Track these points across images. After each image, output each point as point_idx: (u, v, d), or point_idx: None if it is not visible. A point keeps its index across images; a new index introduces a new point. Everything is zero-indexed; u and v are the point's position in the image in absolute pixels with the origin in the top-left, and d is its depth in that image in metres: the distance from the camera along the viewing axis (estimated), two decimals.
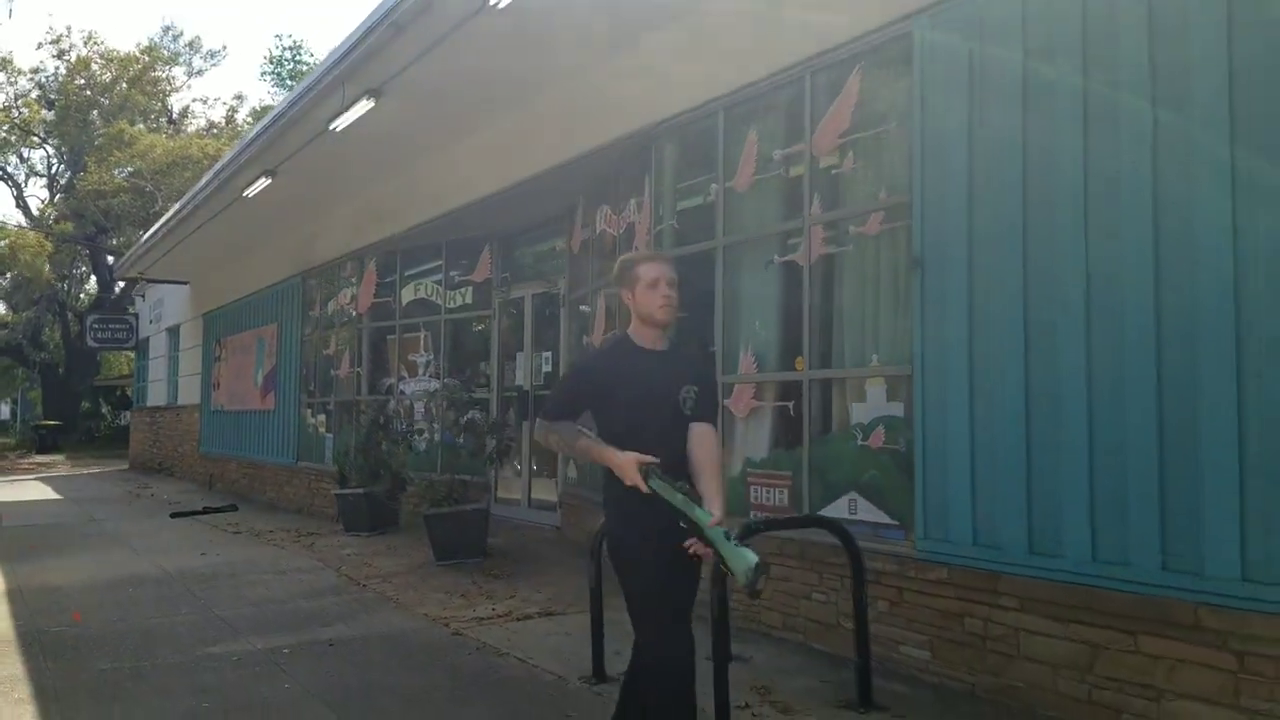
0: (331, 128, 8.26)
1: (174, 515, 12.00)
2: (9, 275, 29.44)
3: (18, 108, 30.34)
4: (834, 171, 5.29)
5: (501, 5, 5.96)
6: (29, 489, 16.56)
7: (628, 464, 2.92)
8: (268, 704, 4.40)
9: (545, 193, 8.23)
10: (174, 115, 32.52)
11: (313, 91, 8.02)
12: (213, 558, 8.53)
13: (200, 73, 56.73)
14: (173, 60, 32.79)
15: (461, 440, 9.04)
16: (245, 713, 4.30)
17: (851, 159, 5.18)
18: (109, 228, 27.76)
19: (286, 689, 4.61)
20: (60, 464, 23.90)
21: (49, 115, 30.29)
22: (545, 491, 9.10)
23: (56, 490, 16.30)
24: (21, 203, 33.23)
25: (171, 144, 26.36)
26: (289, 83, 31.91)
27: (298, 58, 34.88)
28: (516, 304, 9.66)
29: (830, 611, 5.00)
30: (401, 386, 10.96)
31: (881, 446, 4.89)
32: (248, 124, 28.86)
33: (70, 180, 30.05)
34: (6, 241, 27.43)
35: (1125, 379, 3.80)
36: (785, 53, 5.49)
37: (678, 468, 3.01)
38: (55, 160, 32.44)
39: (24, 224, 30.82)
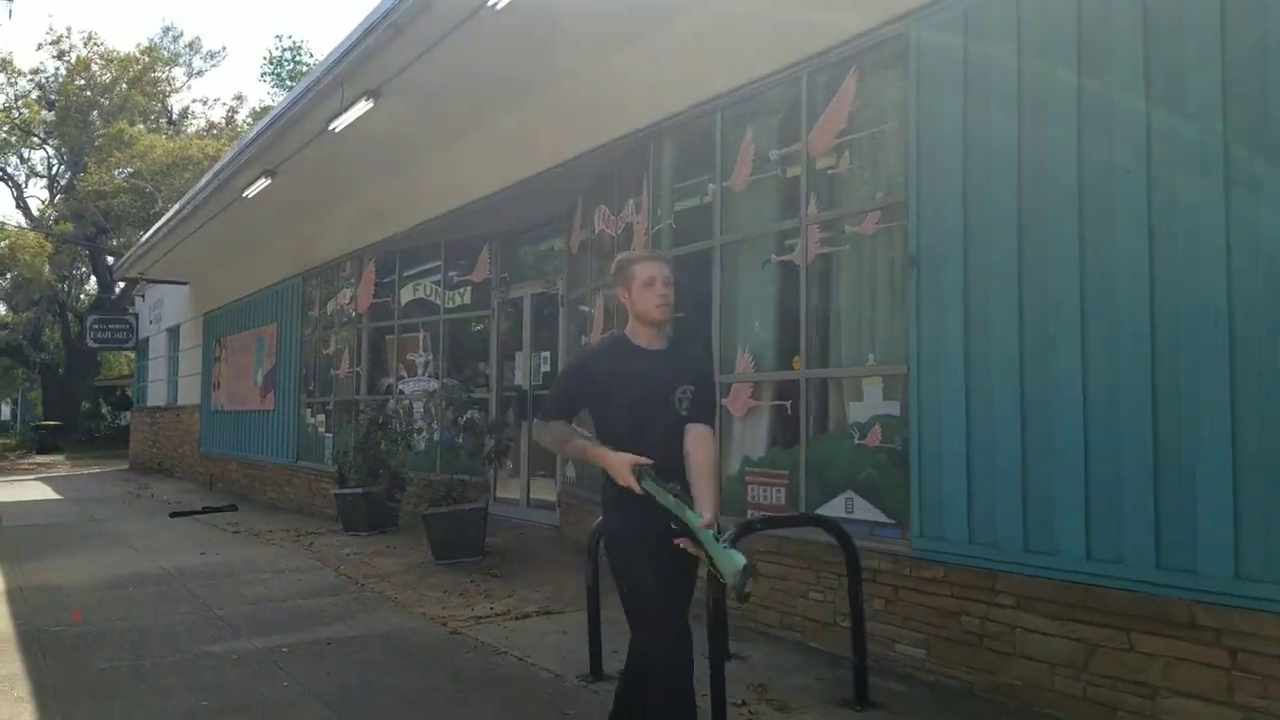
0: (331, 128, 8.27)
1: (174, 515, 12.02)
2: (9, 276, 29.45)
3: (18, 108, 30.38)
4: (830, 171, 5.30)
5: (499, 6, 5.98)
6: (29, 489, 16.58)
7: (621, 465, 2.93)
8: (266, 702, 4.41)
9: (544, 193, 8.25)
10: (174, 116, 32.56)
11: (312, 92, 8.04)
12: (212, 557, 8.55)
13: (200, 73, 56.82)
14: (173, 61, 32.84)
15: (460, 440, 9.06)
16: (244, 711, 4.31)
17: (848, 159, 5.20)
18: (109, 228, 27.79)
19: (285, 687, 4.62)
20: (60, 464, 23.92)
21: (49, 116, 30.32)
22: (544, 491, 9.11)
23: (56, 490, 16.32)
24: (21, 203, 33.30)
25: (171, 145, 26.39)
26: (289, 83, 31.93)
27: (298, 58, 34.91)
28: (515, 304, 9.68)
29: (827, 610, 5.01)
30: (400, 386, 10.97)
31: (878, 445, 4.91)
32: (247, 125, 28.88)
33: (70, 181, 30.08)
34: (7, 242, 27.44)
35: (1120, 378, 3.82)
36: (782, 53, 5.51)
37: (674, 468, 3.01)
38: (55, 161, 32.49)
39: (24, 225, 30.86)
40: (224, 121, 32.64)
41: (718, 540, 2.78)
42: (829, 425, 5.29)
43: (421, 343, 10.84)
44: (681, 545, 2.90)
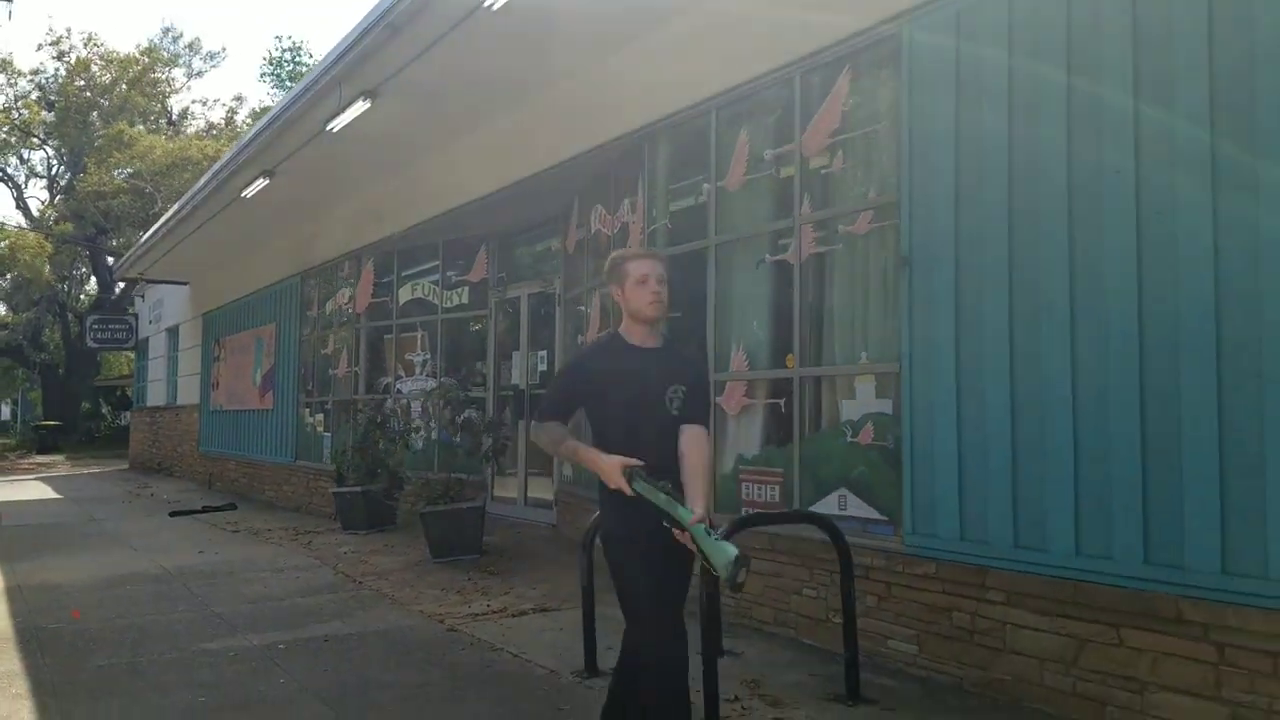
0: (329, 128, 8.31)
1: (173, 514, 12.05)
2: (9, 276, 29.48)
3: (18, 109, 30.43)
4: (824, 171, 5.33)
5: (496, 7, 6.01)
6: (29, 489, 16.61)
7: (611, 469, 2.94)
8: (264, 699, 4.44)
9: (540, 193, 8.28)
10: (173, 117, 32.60)
11: (310, 92, 8.07)
12: (211, 556, 8.58)
13: (200, 74, 56.82)
14: (172, 62, 32.88)
15: (458, 439, 9.09)
16: (241, 708, 4.34)
17: (841, 159, 5.23)
18: (109, 229, 27.83)
19: (282, 684, 4.65)
20: (60, 464, 23.96)
21: (49, 116, 30.37)
22: (541, 490, 9.15)
23: (56, 490, 16.35)
24: (21, 204, 33.36)
25: (171, 145, 26.42)
26: (289, 84, 31.95)
27: (297, 59, 34.95)
28: (512, 303, 9.71)
29: (821, 607, 5.05)
30: (399, 386, 11.01)
31: (871, 443, 4.94)
32: (247, 125, 28.91)
33: (70, 181, 30.12)
34: (7, 242, 27.48)
35: (1109, 377, 3.85)
36: (776, 53, 5.54)
37: (668, 468, 3.02)
38: (55, 161, 32.53)
39: (24, 225, 30.89)
40: (224, 122, 32.70)
41: (709, 534, 2.81)
42: (822, 423, 5.32)
43: (419, 342, 10.87)
44: (678, 540, 2.91)
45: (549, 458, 8.75)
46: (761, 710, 4.12)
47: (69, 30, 51.99)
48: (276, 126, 8.97)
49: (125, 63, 29.83)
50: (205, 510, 12.31)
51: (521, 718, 4.18)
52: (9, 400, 49.26)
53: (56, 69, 30.44)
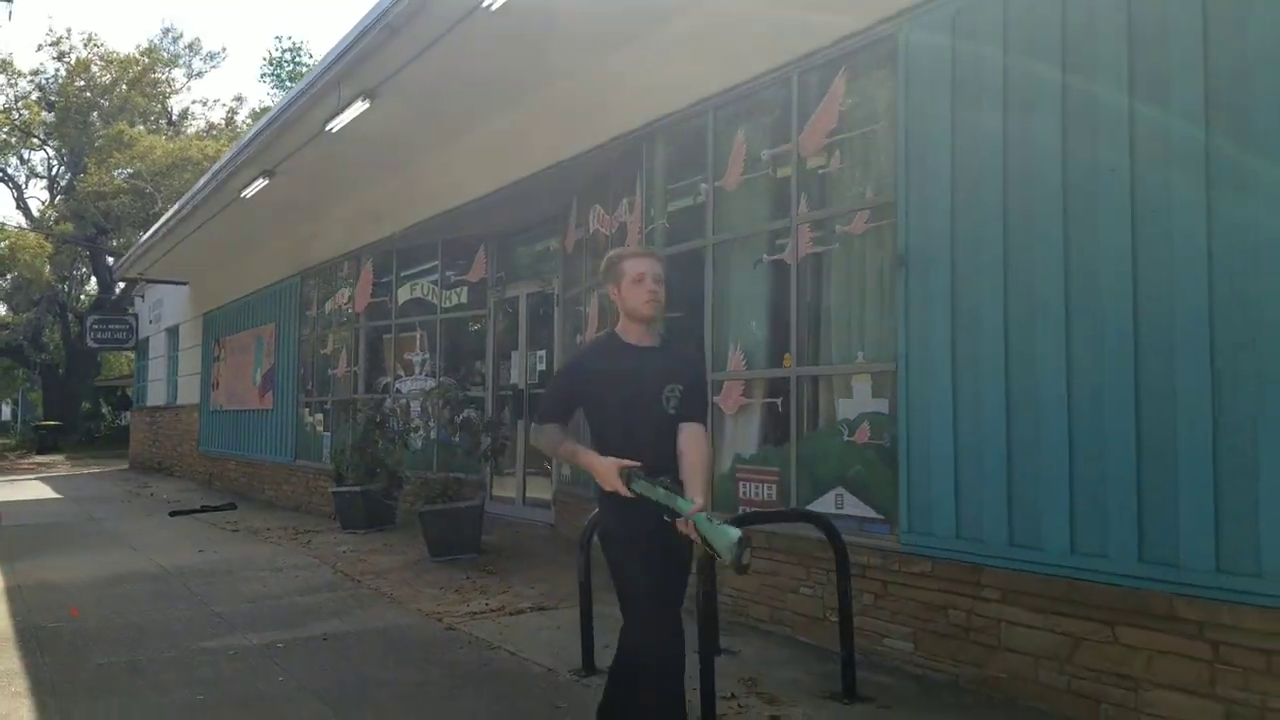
0: (328, 129, 8.32)
1: (173, 514, 12.07)
2: (9, 276, 29.53)
3: (18, 109, 30.46)
4: (821, 171, 5.35)
5: (494, 7, 6.02)
6: (29, 488, 16.63)
7: (608, 471, 2.94)
8: (263, 697, 4.46)
9: (539, 193, 8.30)
10: (174, 117, 32.64)
11: (309, 93, 8.09)
12: (210, 555, 8.60)
13: (200, 74, 56.85)
14: (172, 62, 32.93)
15: (457, 438, 9.11)
16: (240, 706, 4.36)
17: (838, 159, 5.24)
18: (109, 229, 27.85)
19: (281, 682, 4.67)
20: (60, 464, 23.98)
21: (49, 117, 30.40)
22: (540, 489, 9.16)
23: (56, 490, 16.37)
24: (22, 204, 33.40)
25: (171, 146, 26.45)
26: (288, 84, 31.98)
27: (297, 59, 34.98)
28: (511, 303, 9.73)
29: (817, 605, 5.06)
30: (398, 385, 11.02)
31: (867, 442, 4.95)
32: (247, 125, 28.94)
33: (70, 182, 30.14)
34: (7, 243, 27.53)
35: (1104, 376, 3.86)
36: (773, 54, 5.56)
37: (666, 468, 3.02)
38: (55, 162, 32.57)
39: (24, 225, 30.92)
40: (224, 122, 32.75)
41: (709, 521, 2.82)
42: (819, 422, 5.34)
43: (418, 342, 10.89)
44: (681, 532, 2.90)
45: (547, 457, 8.78)
46: (758, 708, 4.13)
47: (69, 31, 52.09)
48: (276, 127, 8.99)
49: (125, 63, 29.87)
50: (205, 510, 12.33)
51: (519, 716, 4.20)
52: (9, 400, 49.29)
53: (56, 69, 30.52)
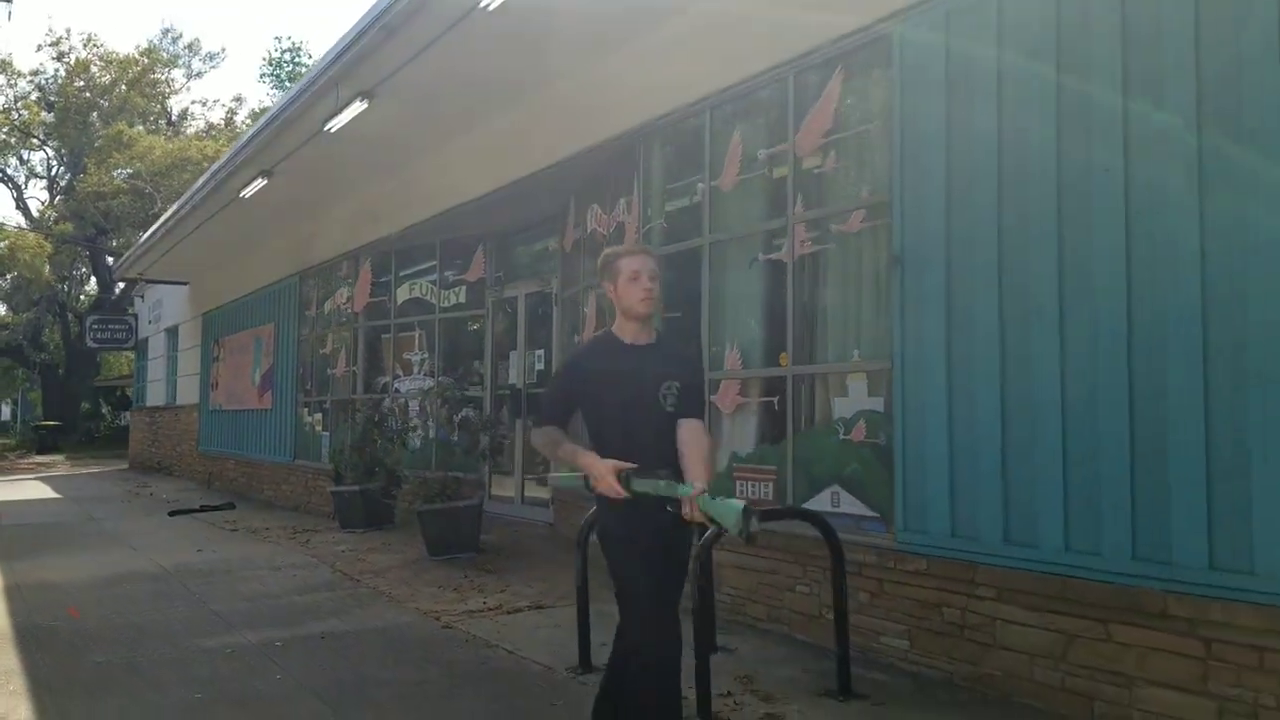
0: (326, 129, 8.33)
1: (172, 513, 12.08)
2: (9, 276, 29.54)
3: (18, 110, 30.47)
4: (817, 171, 5.36)
5: (492, 7, 6.03)
6: (28, 488, 16.64)
7: (604, 475, 2.93)
8: (261, 696, 4.47)
9: (537, 193, 8.31)
10: (173, 117, 32.65)
11: (307, 93, 8.10)
12: (209, 555, 8.61)
13: (199, 75, 56.84)
14: (172, 62, 32.94)
15: (455, 437, 9.13)
16: (238, 705, 4.37)
17: (833, 158, 5.26)
18: (108, 229, 27.86)
19: (279, 681, 4.68)
20: (60, 464, 23.99)
21: (49, 117, 30.42)
22: (538, 488, 9.17)
23: (56, 489, 16.38)
24: (21, 204, 33.41)
25: (170, 146, 26.47)
26: (288, 85, 31.99)
27: (297, 59, 34.98)
28: (510, 303, 9.74)
29: (813, 603, 5.08)
30: (396, 385, 11.04)
31: (863, 440, 4.97)
32: (246, 126, 28.94)
33: (70, 182, 30.16)
34: (7, 243, 27.54)
35: (1098, 376, 3.87)
36: (769, 54, 5.57)
37: (667, 465, 3.02)
38: (55, 162, 32.58)
39: (24, 225, 30.93)
40: (223, 123, 32.75)
41: (712, 498, 2.83)
42: (815, 421, 5.35)
43: (417, 341, 10.90)
44: (688, 514, 2.89)
45: (545, 456, 8.80)
46: (754, 705, 4.15)
47: (69, 31, 52.02)
48: (274, 127, 9.00)
49: (125, 63, 29.88)
50: (204, 509, 12.34)
51: (516, 714, 4.21)
52: (9, 400, 49.29)
53: (56, 70, 30.53)
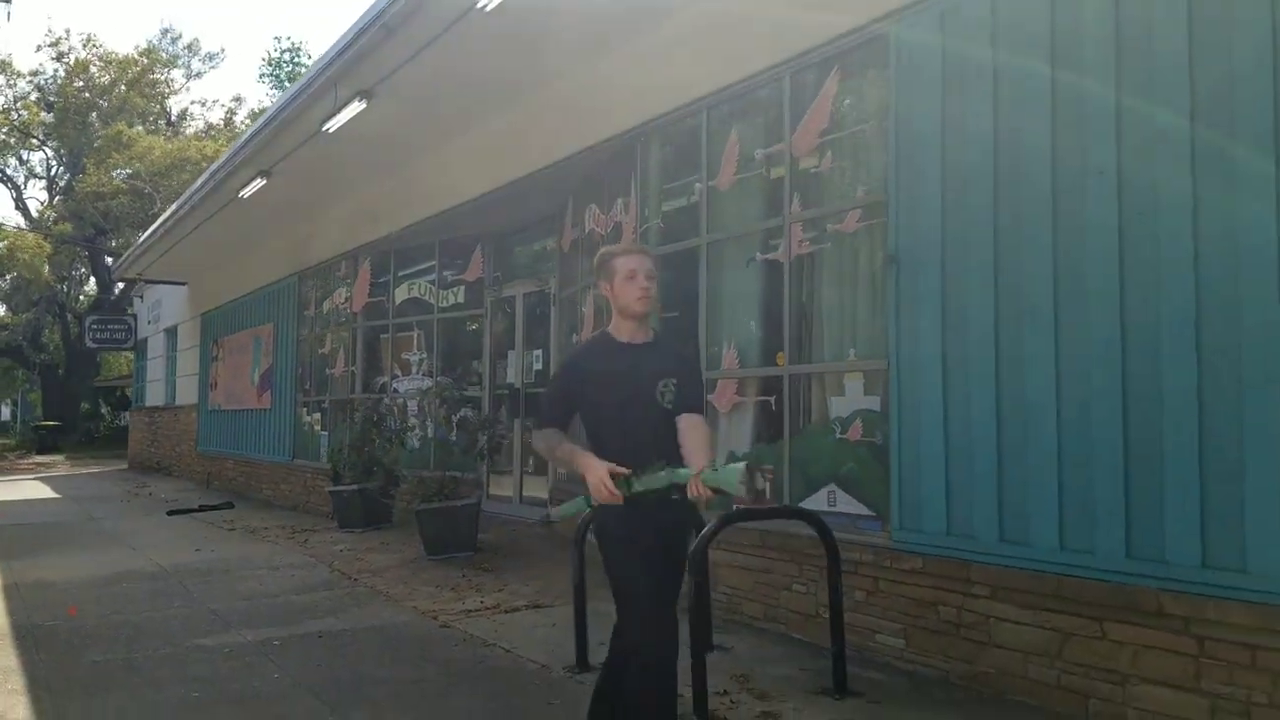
0: (324, 129, 8.34)
1: (171, 513, 12.09)
2: (9, 277, 29.56)
3: (17, 110, 30.48)
4: (813, 170, 5.38)
5: (490, 8, 6.04)
6: (28, 488, 16.65)
7: (601, 478, 2.92)
8: (258, 695, 4.48)
9: (536, 193, 8.33)
10: (172, 117, 32.68)
11: (305, 93, 8.11)
12: (208, 554, 8.62)
13: (199, 75, 56.70)
14: (171, 63, 32.96)
15: (454, 437, 9.13)
16: (235, 703, 4.38)
17: (830, 158, 5.27)
18: (108, 229, 27.87)
19: (276, 679, 4.69)
20: (60, 464, 23.99)
21: (48, 117, 30.43)
22: (536, 488, 9.18)
23: (55, 489, 16.39)
24: (21, 205, 33.42)
25: (170, 146, 26.49)
26: (287, 85, 31.99)
27: (296, 59, 34.99)
28: (508, 303, 9.75)
29: (810, 602, 5.09)
30: (395, 385, 11.05)
31: (859, 440, 4.98)
32: (246, 126, 28.94)
33: (69, 182, 30.17)
34: (6, 243, 27.57)
35: (1092, 377, 3.89)
36: (766, 54, 5.58)
37: (664, 460, 3.01)
38: (54, 162, 32.59)
39: (23, 226, 30.95)
40: (222, 123, 32.78)
41: (714, 469, 2.81)
42: (812, 420, 5.37)
43: (416, 341, 10.91)
44: (694, 494, 2.87)
45: (545, 459, 8.80)
46: (750, 703, 4.16)
47: (68, 31, 51.98)
48: (273, 127, 9.01)
49: (124, 64, 29.90)
50: (202, 509, 12.36)
51: (513, 712, 4.23)
52: (9, 400, 49.31)
53: (55, 70, 30.55)
